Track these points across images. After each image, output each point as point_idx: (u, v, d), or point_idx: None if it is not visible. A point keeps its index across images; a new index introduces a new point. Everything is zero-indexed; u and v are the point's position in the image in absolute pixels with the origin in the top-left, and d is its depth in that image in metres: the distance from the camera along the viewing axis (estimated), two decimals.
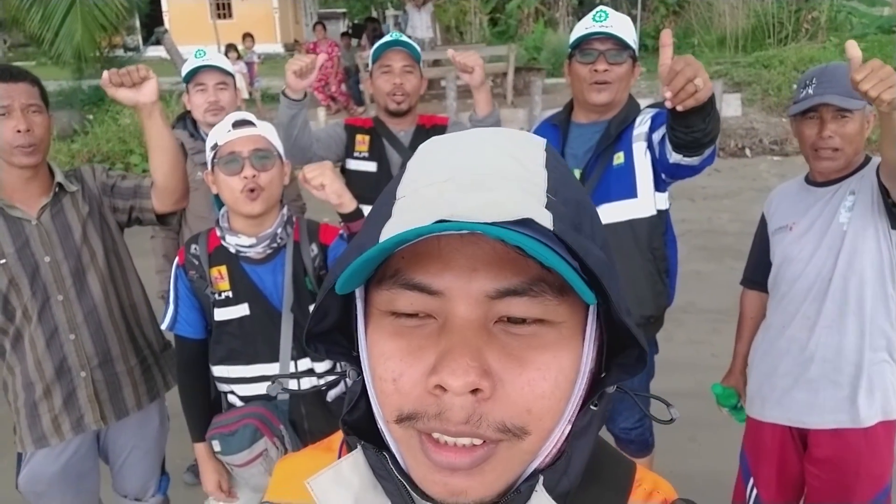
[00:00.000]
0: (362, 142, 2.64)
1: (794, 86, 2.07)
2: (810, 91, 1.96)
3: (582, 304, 0.54)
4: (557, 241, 0.50)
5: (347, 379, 0.64)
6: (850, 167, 2.01)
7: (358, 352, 0.61)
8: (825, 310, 2.00)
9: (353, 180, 2.62)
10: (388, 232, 0.51)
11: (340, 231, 2.04)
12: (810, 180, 2.12)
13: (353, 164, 2.65)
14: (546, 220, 0.50)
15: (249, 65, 12.06)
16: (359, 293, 0.58)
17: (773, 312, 2.18)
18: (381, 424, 0.58)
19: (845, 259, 1.97)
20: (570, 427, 0.57)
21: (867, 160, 2.02)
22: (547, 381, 0.52)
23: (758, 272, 2.29)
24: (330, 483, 0.59)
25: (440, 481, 0.52)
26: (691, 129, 1.86)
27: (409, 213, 0.52)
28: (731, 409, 2.44)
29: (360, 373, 0.61)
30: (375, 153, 2.62)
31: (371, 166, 2.62)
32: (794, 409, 2.09)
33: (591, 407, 0.58)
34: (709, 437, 3.23)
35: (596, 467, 0.62)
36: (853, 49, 1.63)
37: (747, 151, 9.98)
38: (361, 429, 0.61)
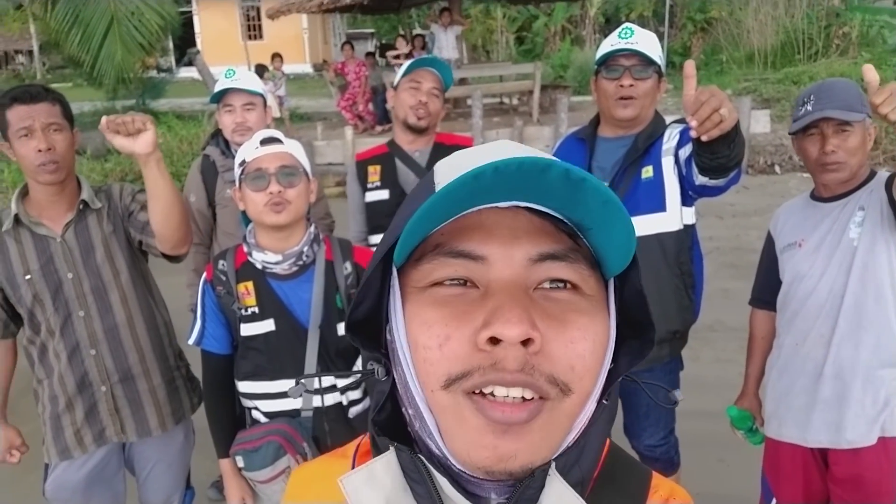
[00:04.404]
0: (374, 172, 2.64)
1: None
2: (809, 108, 1.96)
3: (603, 281, 0.59)
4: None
5: (377, 379, 0.63)
6: (855, 180, 2.00)
7: (385, 350, 0.61)
8: (839, 327, 1.98)
9: (370, 212, 2.65)
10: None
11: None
12: (816, 196, 2.11)
13: (368, 197, 2.66)
14: None
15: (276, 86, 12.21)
16: (395, 272, 0.59)
17: (785, 331, 2.15)
18: (419, 404, 0.56)
19: (857, 275, 1.95)
20: (596, 405, 0.58)
21: (872, 174, 2.01)
22: (587, 340, 0.54)
23: (766, 291, 2.27)
24: (363, 483, 0.59)
25: (489, 445, 0.52)
26: (717, 156, 1.87)
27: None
28: (747, 431, 2.40)
29: (388, 371, 0.61)
30: (388, 180, 2.62)
31: (384, 194, 2.62)
32: (811, 428, 2.06)
33: (604, 402, 0.59)
34: (737, 458, 3.17)
35: (611, 473, 0.63)
36: (870, 73, 1.63)
37: (776, 168, 9.87)
38: (389, 430, 0.61)
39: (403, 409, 0.61)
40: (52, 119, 2.02)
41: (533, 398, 0.52)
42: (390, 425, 0.62)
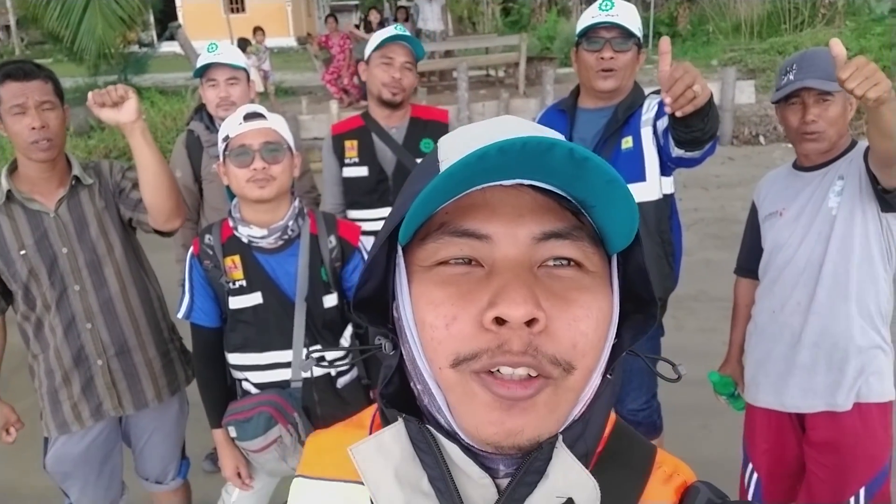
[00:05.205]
0: (351, 147, 2.64)
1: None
2: (791, 77, 1.97)
3: (607, 258, 0.60)
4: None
5: (381, 349, 0.64)
6: (836, 150, 2.02)
7: (393, 323, 0.63)
8: (817, 295, 2.02)
9: (348, 187, 2.66)
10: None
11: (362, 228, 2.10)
12: (798, 166, 2.14)
13: (346, 172, 2.66)
14: None
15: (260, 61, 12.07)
16: (400, 251, 0.60)
17: (763, 298, 2.19)
18: (428, 380, 0.57)
19: (836, 244, 1.98)
20: (601, 379, 0.59)
21: (853, 144, 2.04)
22: (590, 318, 0.55)
23: (751, 260, 2.30)
24: (372, 452, 0.60)
25: (497, 420, 0.53)
26: (691, 129, 1.92)
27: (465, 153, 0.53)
28: (729, 396, 2.45)
29: (395, 346, 0.62)
30: (365, 156, 2.63)
31: (363, 171, 2.63)
32: (788, 394, 2.11)
33: (608, 376, 0.60)
34: (720, 424, 3.24)
35: (616, 449, 0.64)
36: (837, 47, 1.64)
37: (761, 139, 9.90)
38: (398, 403, 0.63)
39: (412, 384, 0.62)
40: (45, 97, 2.03)
41: (538, 375, 0.54)
42: (399, 398, 0.63)
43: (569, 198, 0.57)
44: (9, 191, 2.08)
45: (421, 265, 0.58)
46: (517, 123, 0.60)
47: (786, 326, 2.09)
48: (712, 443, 3.22)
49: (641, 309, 0.62)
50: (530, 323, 0.52)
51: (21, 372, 2.38)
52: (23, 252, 2.08)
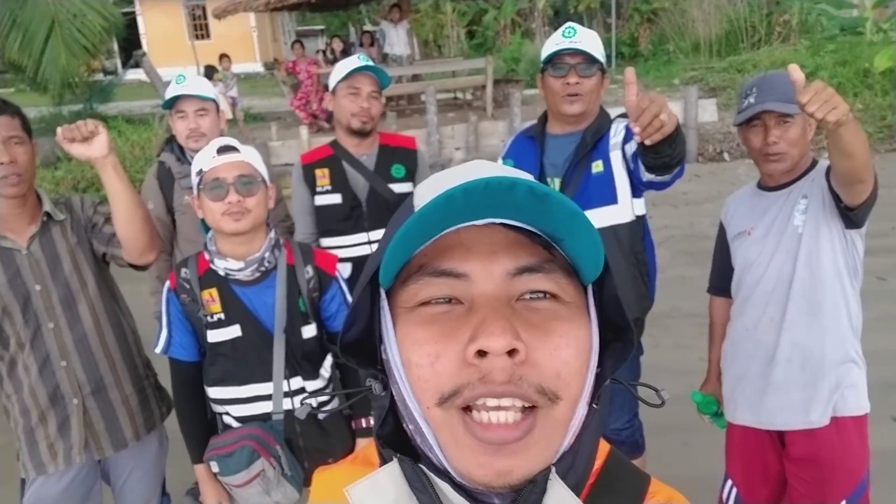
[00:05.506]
0: (322, 176, 2.66)
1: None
2: (752, 100, 2.03)
3: (582, 288, 0.62)
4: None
5: (372, 391, 0.66)
6: (798, 169, 2.08)
7: (381, 364, 0.64)
8: (788, 312, 2.05)
9: (322, 216, 2.67)
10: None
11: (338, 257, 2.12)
12: (762, 185, 2.19)
13: (318, 200, 2.67)
14: None
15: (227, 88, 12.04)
16: (383, 294, 0.62)
17: (737, 316, 2.23)
18: (418, 419, 0.59)
19: (803, 261, 2.02)
20: (587, 409, 0.60)
21: (814, 163, 2.10)
22: (570, 346, 0.57)
23: (722, 278, 2.34)
24: (368, 492, 0.61)
25: (485, 463, 0.55)
26: (660, 155, 1.98)
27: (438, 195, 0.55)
28: (712, 415, 2.47)
29: (385, 386, 0.63)
30: (338, 184, 2.65)
31: (336, 198, 2.64)
32: (764, 411, 2.14)
33: (594, 406, 0.62)
34: (701, 440, 3.26)
35: (609, 479, 0.66)
36: (795, 73, 1.69)
37: (725, 156, 10.12)
38: (394, 443, 0.64)
39: (404, 424, 0.63)
40: (12, 132, 2.01)
41: (525, 411, 0.55)
42: (395, 438, 0.64)
43: (539, 233, 0.59)
44: None
45: (404, 307, 0.60)
46: (487, 167, 0.62)
47: (760, 343, 2.13)
48: (693, 460, 3.24)
49: (619, 336, 0.64)
50: (511, 354, 0.53)
51: None
52: None
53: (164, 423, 2.41)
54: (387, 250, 0.56)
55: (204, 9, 22.77)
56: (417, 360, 0.57)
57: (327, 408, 2.04)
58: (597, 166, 2.33)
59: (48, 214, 2.13)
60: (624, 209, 2.33)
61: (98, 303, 2.19)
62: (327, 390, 2.04)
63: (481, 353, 0.54)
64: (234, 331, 1.94)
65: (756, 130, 2.06)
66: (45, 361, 2.11)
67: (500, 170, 0.62)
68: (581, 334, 0.59)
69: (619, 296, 0.62)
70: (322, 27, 27.47)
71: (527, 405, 0.55)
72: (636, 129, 1.82)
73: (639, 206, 2.38)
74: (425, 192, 0.61)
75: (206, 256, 1.96)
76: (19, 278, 2.07)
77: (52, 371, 2.12)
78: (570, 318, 0.59)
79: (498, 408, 0.54)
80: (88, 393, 2.17)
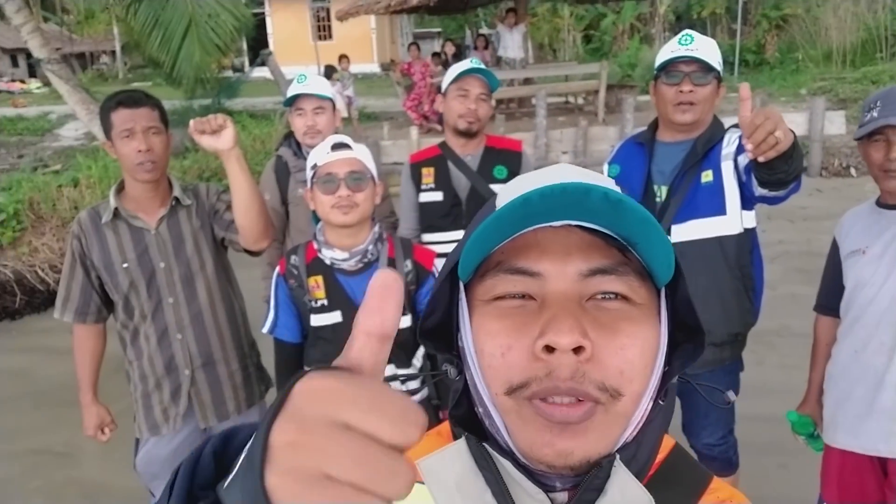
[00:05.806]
0: (428, 174, 2.77)
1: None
2: (875, 114, 1.94)
3: (655, 291, 0.64)
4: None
5: (447, 375, 0.70)
6: None
7: (458, 351, 0.68)
8: None
9: (423, 212, 2.78)
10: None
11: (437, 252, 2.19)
12: (882, 203, 2.08)
13: (422, 197, 2.78)
14: None
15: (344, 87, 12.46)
16: (462, 286, 0.66)
17: (845, 337, 2.13)
18: (487, 404, 0.62)
19: None
20: (652, 404, 0.63)
21: None
22: (636, 346, 0.59)
23: (831, 297, 2.24)
24: (437, 465, 0.66)
25: (549, 442, 0.58)
26: (775, 171, 1.91)
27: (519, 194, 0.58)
28: (808, 437, 2.38)
29: (460, 371, 0.67)
30: (441, 182, 2.74)
31: (438, 196, 2.74)
32: (868, 437, 2.04)
33: (660, 402, 0.64)
34: (800, 463, 3.12)
35: (670, 472, 0.68)
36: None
37: (852, 171, 9.52)
38: (466, 422, 0.68)
39: (475, 407, 0.67)
40: (151, 123, 2.20)
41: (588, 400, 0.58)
42: (467, 418, 0.68)
43: (615, 236, 0.61)
44: (115, 208, 2.26)
45: (480, 299, 0.64)
46: (570, 171, 0.65)
47: (868, 367, 2.03)
48: (791, 483, 3.11)
49: (691, 338, 0.66)
50: (578, 351, 0.56)
51: (116, 376, 2.54)
52: (125, 265, 2.26)
53: (263, 400, 2.57)
54: (465, 247, 0.60)
55: (328, 11, 23.65)
56: (490, 349, 0.61)
57: (416, 397, 2.11)
58: (706, 176, 2.28)
59: (177, 199, 2.32)
60: (732, 221, 2.27)
61: (214, 283, 2.37)
62: (417, 380, 2.11)
63: (549, 349, 0.57)
64: (335, 316, 2.05)
65: (878, 145, 1.97)
66: (163, 333, 2.30)
67: (582, 174, 0.65)
68: (649, 335, 0.61)
69: (691, 299, 0.63)
70: (439, 30, 27.94)
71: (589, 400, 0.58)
72: (749, 147, 1.76)
73: (748, 219, 2.31)
74: (508, 193, 0.64)
75: (315, 246, 2.08)
76: (147, 255, 2.27)
77: (168, 342, 2.31)
78: (638, 320, 0.61)
79: (562, 399, 0.58)
80: (199, 366, 2.35)
